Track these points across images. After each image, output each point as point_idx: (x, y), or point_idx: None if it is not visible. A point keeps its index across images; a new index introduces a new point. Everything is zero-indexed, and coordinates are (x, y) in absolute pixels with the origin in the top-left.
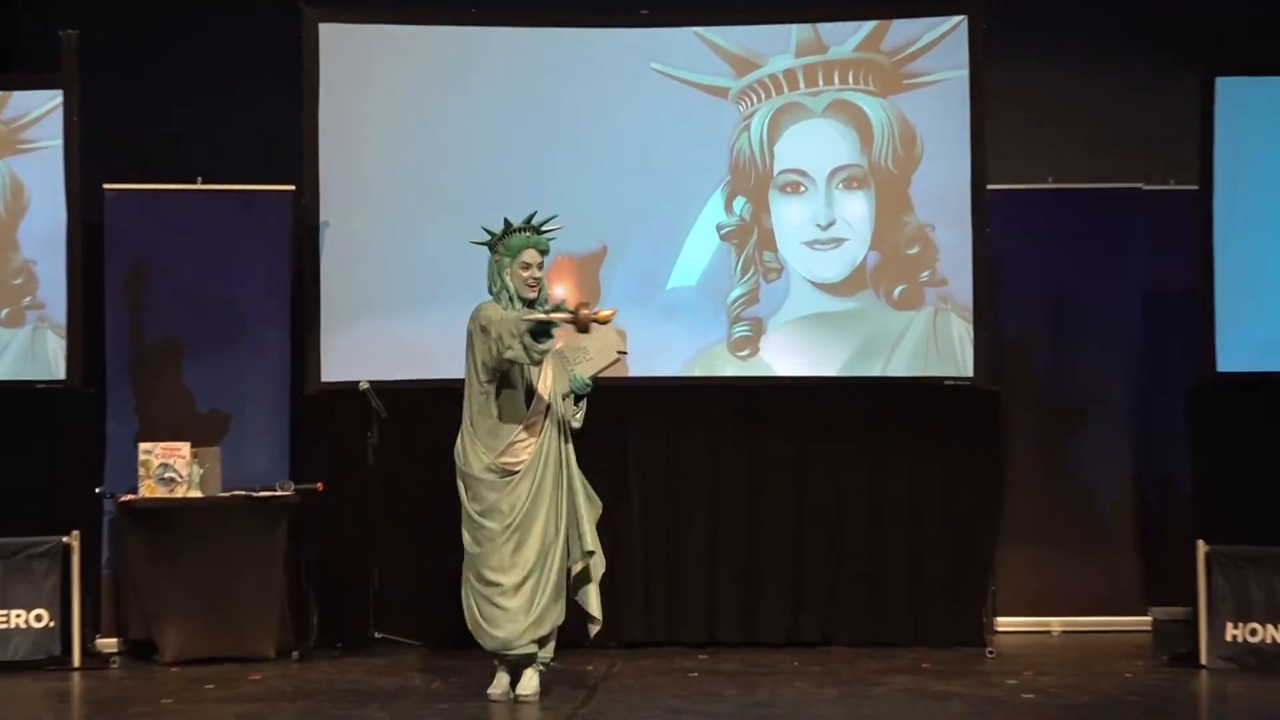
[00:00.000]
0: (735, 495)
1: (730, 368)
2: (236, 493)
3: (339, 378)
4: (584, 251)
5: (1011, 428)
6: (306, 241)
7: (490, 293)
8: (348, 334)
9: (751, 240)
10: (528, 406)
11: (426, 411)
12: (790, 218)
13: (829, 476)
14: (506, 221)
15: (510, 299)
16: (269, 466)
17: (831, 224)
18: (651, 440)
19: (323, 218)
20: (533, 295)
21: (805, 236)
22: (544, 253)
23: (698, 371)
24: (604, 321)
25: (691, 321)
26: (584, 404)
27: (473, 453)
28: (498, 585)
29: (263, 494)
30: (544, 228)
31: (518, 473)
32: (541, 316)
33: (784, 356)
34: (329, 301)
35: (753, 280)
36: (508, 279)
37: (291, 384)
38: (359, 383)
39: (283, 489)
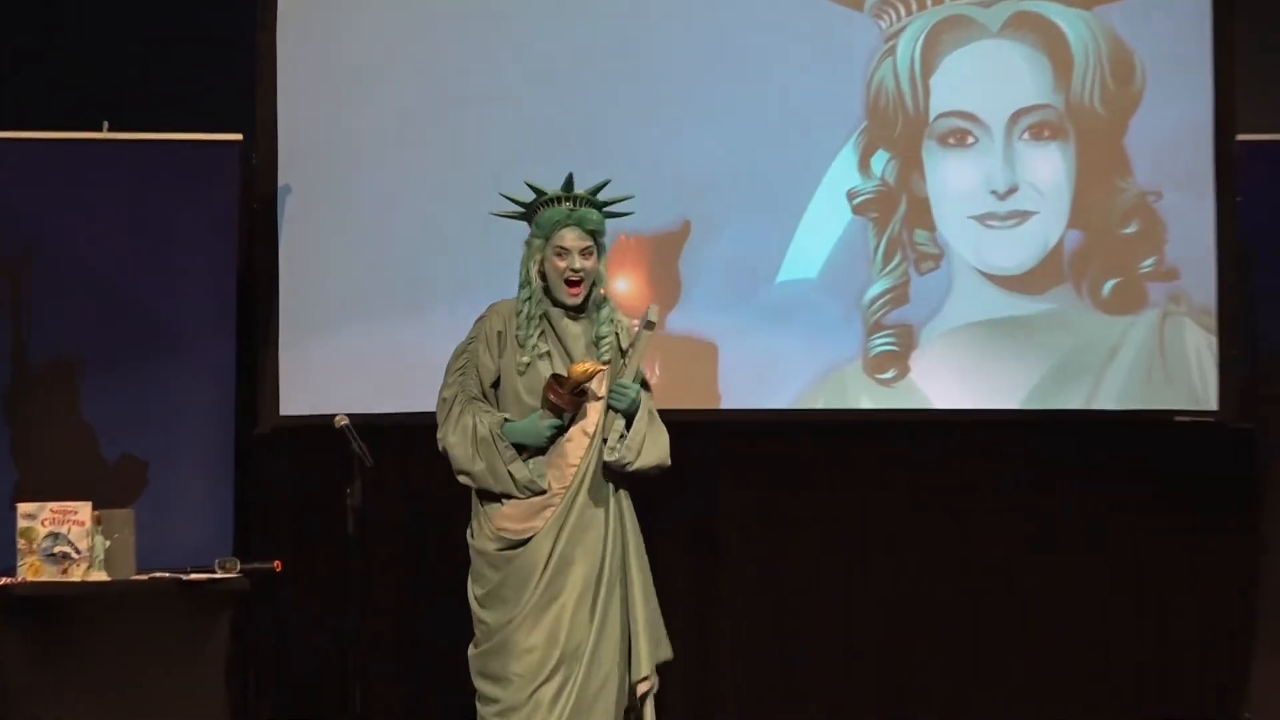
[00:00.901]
0: (876, 580)
1: (867, 398)
2: (158, 574)
3: (305, 409)
4: (656, 230)
5: (1274, 478)
6: (260, 215)
7: (520, 289)
8: (319, 348)
9: (898, 214)
10: (549, 446)
11: (429, 459)
12: (954, 182)
13: (1009, 552)
14: (535, 189)
15: (535, 301)
16: (205, 537)
17: (1013, 190)
18: (751, 502)
19: (282, 181)
20: (574, 299)
21: (975, 208)
22: (593, 233)
23: (820, 403)
24: (585, 380)
25: (811, 331)
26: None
27: (476, 516)
28: (494, 701)
29: (196, 576)
30: (596, 196)
31: (527, 541)
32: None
33: (944, 381)
34: (292, 301)
35: (900, 271)
36: (534, 271)
37: (238, 419)
38: (334, 417)
39: (225, 569)
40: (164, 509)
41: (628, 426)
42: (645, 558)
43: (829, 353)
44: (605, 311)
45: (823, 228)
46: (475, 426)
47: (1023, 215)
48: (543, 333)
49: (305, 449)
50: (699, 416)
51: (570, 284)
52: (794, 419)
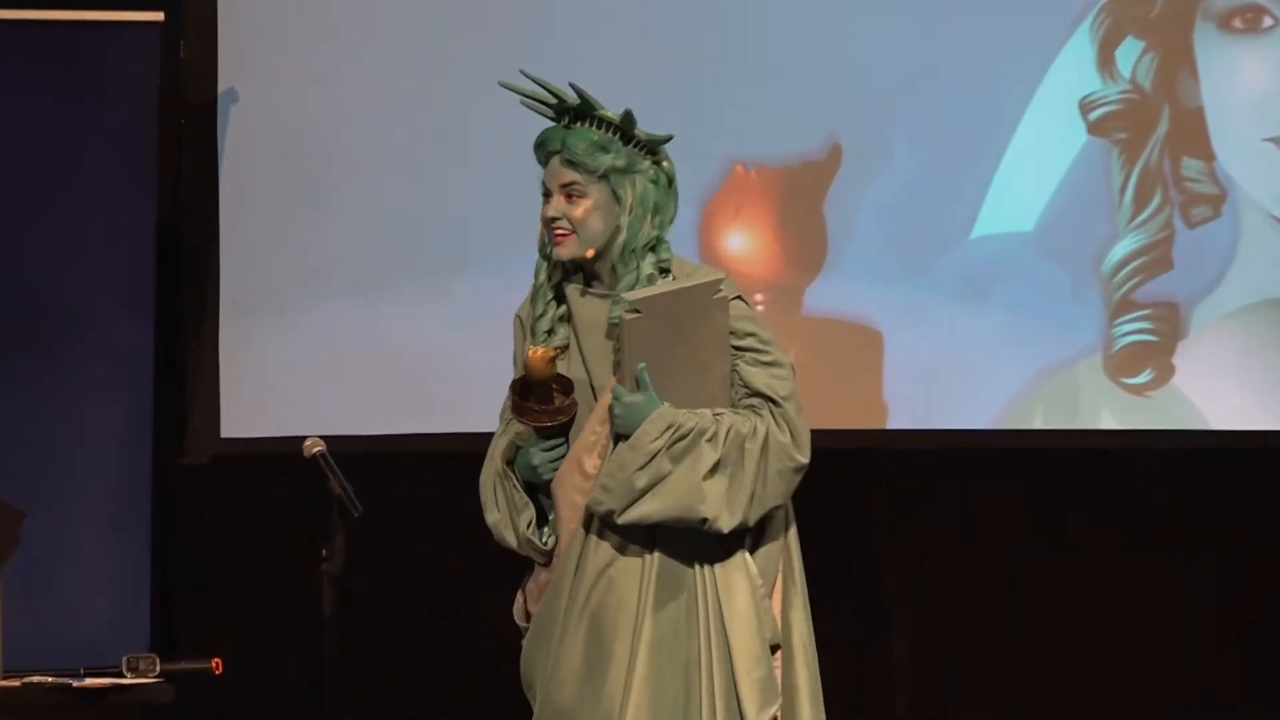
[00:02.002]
0: (1124, 665)
1: (1109, 413)
2: (35, 679)
3: (258, 430)
4: (788, 157)
5: None
6: (190, 136)
7: None
8: (280, 340)
9: (1156, 135)
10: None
11: (447, 502)
12: (1243, 86)
13: None
14: (512, 89)
15: (547, 267)
16: (109, 622)
17: None
18: (932, 567)
19: (225, 84)
20: (559, 254)
21: (1274, 125)
22: (577, 166)
23: (1037, 421)
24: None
25: (1024, 312)
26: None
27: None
28: None
29: (95, 682)
30: (595, 109)
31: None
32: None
33: (1227, 389)
34: (239, 270)
35: (1160, 221)
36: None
37: (157, 446)
38: (303, 442)
39: (138, 671)
40: (46, 580)
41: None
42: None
43: (1051, 345)
44: (628, 280)
45: (1041, 156)
46: (495, 456)
47: None
48: (564, 316)
49: (258, 489)
50: (852, 441)
51: (555, 240)
52: (997, 445)
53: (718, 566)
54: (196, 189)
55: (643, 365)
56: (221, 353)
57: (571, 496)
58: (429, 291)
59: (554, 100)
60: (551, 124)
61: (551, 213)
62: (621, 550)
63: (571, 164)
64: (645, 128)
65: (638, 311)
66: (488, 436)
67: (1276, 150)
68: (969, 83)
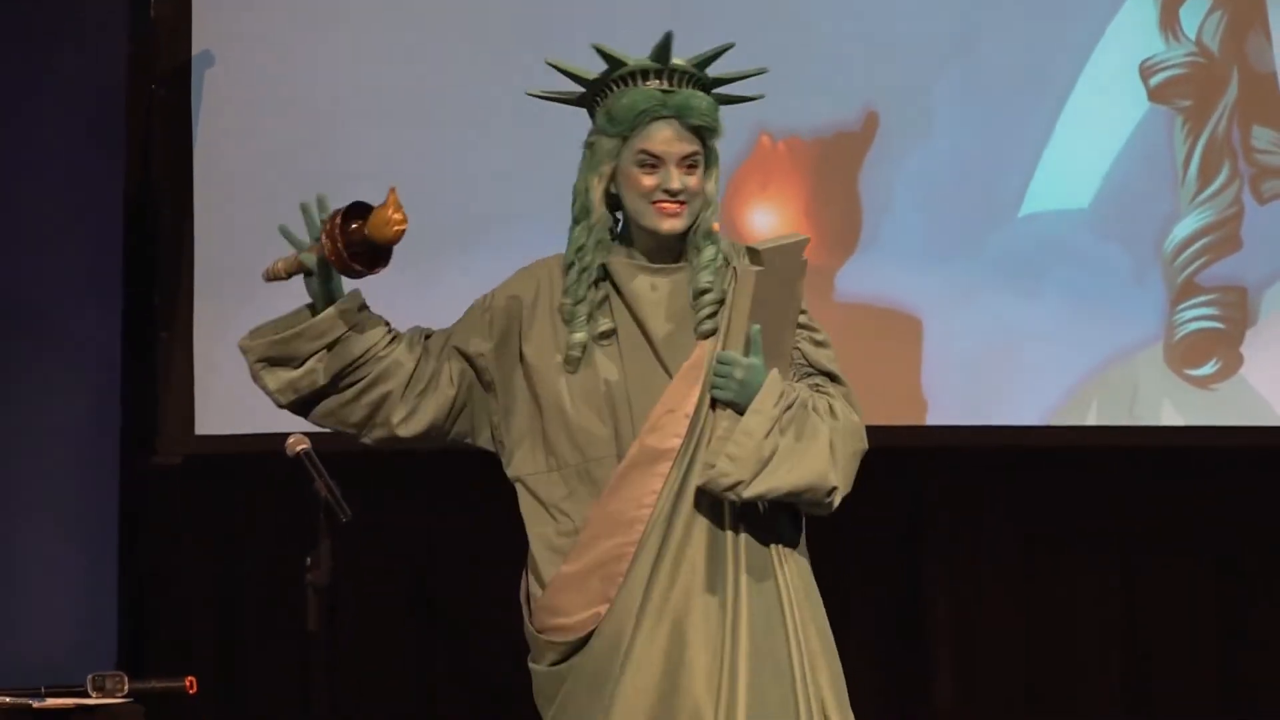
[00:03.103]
0: (1183, 683)
1: (1173, 406)
2: None
3: (235, 427)
4: (822, 126)
5: None
6: (162, 105)
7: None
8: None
9: (1224, 102)
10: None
11: (447, 504)
12: None
13: None
14: (605, 55)
15: (593, 245)
16: (71, 638)
17: None
18: (971, 580)
19: (200, 46)
20: (672, 226)
21: None
22: (701, 131)
23: (1092, 417)
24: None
25: (1078, 296)
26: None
27: (533, 593)
28: None
29: (56, 703)
30: (707, 70)
31: (577, 645)
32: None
33: None
34: (215, 253)
35: (1229, 197)
36: (597, 193)
37: (125, 443)
38: (286, 439)
39: (104, 689)
40: (4, 592)
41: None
42: (838, 666)
43: (1107, 333)
44: (709, 253)
45: (1097, 126)
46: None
47: None
48: (605, 299)
49: (237, 491)
50: (891, 438)
51: (664, 212)
52: (1050, 442)
53: (791, 562)
54: (169, 163)
55: (757, 327)
56: (196, 343)
57: (640, 494)
58: (424, 274)
59: (661, 66)
60: (644, 71)
61: (676, 184)
62: (709, 546)
63: (696, 131)
64: None
65: (761, 265)
66: None
67: None
68: (1017, 45)
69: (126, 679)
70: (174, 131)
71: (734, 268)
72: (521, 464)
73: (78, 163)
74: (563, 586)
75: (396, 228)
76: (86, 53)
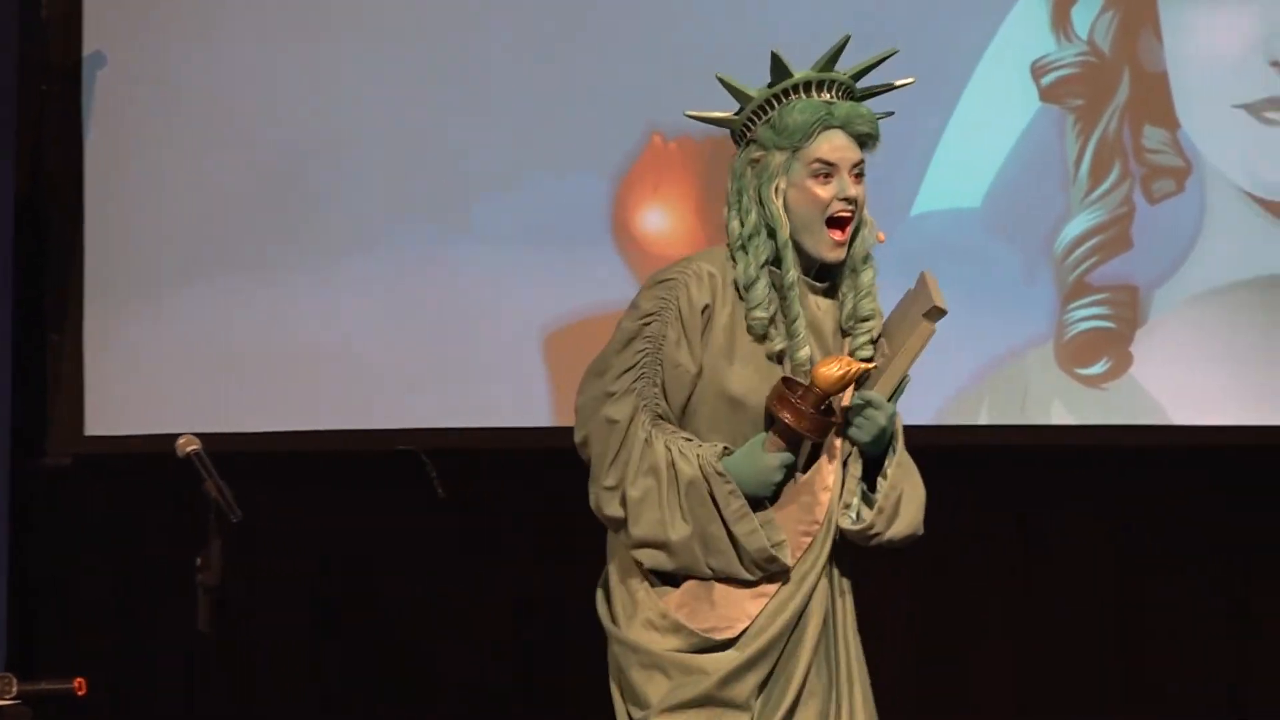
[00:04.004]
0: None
1: (1063, 405)
2: None
3: (126, 427)
4: (711, 129)
5: None
6: (53, 106)
7: (732, 239)
8: (150, 327)
9: (1115, 101)
10: (770, 503)
11: (335, 505)
12: (1210, 47)
13: None
14: (778, 61)
15: (789, 260)
16: None
17: None
18: (865, 565)
19: (92, 47)
20: (837, 252)
21: (1247, 91)
22: (864, 139)
23: (983, 416)
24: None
25: (970, 295)
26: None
27: (623, 599)
28: None
29: None
30: (866, 81)
31: (733, 644)
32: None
33: (1192, 381)
34: (106, 252)
35: (1120, 197)
36: (776, 204)
37: (13, 444)
38: (176, 439)
39: None
40: None
41: (870, 474)
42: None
43: (999, 332)
44: (869, 277)
45: (989, 126)
46: (675, 463)
47: None
48: (786, 314)
49: (127, 492)
50: None
51: (836, 224)
52: (939, 442)
53: (853, 625)
54: (59, 161)
55: (909, 378)
56: (86, 342)
57: (799, 513)
58: (318, 276)
59: (829, 77)
60: (820, 82)
61: (853, 191)
62: (843, 569)
63: (862, 141)
64: (554, 93)
65: (937, 318)
66: (384, 433)
67: (1247, 118)
68: (908, 45)
69: (15, 680)
70: (65, 132)
71: (905, 311)
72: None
73: None
74: (709, 586)
75: (841, 376)
76: None
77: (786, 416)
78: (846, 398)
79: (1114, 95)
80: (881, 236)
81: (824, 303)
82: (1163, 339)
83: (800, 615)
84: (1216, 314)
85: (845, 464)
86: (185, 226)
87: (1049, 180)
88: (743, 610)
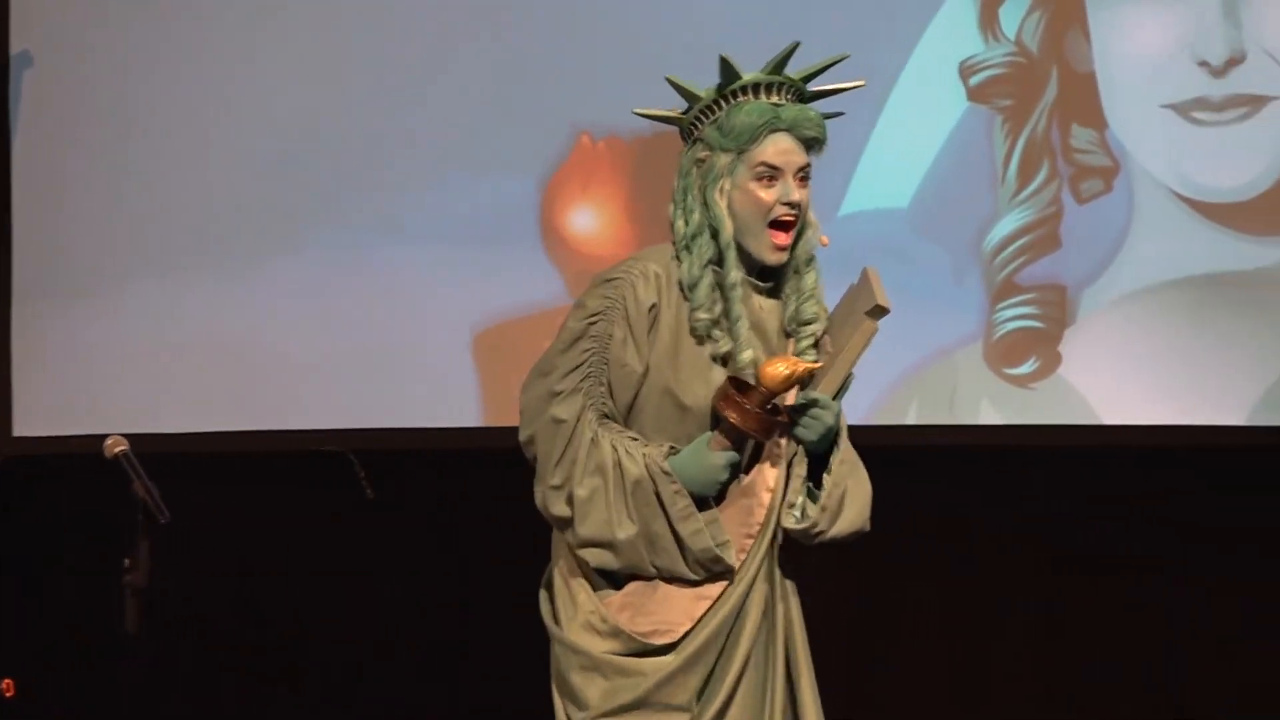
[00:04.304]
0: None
1: (991, 405)
2: None
3: (54, 428)
4: (638, 129)
5: None
6: None
7: (677, 238)
8: (79, 326)
9: (1044, 101)
10: (716, 503)
11: (262, 505)
12: (1138, 47)
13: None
14: (726, 64)
15: (732, 260)
16: None
17: (1236, 61)
18: (799, 563)
19: (20, 45)
20: (779, 256)
21: (1174, 91)
22: (811, 143)
23: (911, 415)
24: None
25: (898, 293)
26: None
27: (565, 600)
28: None
29: None
30: (815, 83)
31: (672, 648)
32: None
33: (1118, 380)
34: (33, 248)
35: (1048, 197)
36: (720, 205)
37: None
38: (104, 440)
39: None
40: None
41: (815, 472)
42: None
43: (927, 332)
44: (812, 279)
45: (917, 125)
46: (622, 463)
47: (1253, 103)
48: (729, 316)
49: (54, 493)
50: None
51: (779, 227)
52: (870, 441)
53: (801, 624)
54: None
55: (853, 375)
56: (13, 341)
57: (741, 515)
58: (247, 275)
59: (785, 81)
60: (766, 84)
61: (796, 195)
62: (785, 570)
63: (808, 145)
64: (478, 91)
65: (879, 315)
66: (312, 434)
67: (1175, 118)
68: (836, 44)
69: None
70: None
71: (844, 311)
72: None
73: None
74: (654, 588)
75: (786, 375)
76: None
77: (732, 416)
78: (791, 397)
79: (1042, 95)
80: (825, 240)
81: (767, 304)
82: (1091, 339)
83: (737, 614)
84: (1145, 314)
85: (790, 464)
86: (113, 227)
87: (977, 180)
88: (686, 613)
